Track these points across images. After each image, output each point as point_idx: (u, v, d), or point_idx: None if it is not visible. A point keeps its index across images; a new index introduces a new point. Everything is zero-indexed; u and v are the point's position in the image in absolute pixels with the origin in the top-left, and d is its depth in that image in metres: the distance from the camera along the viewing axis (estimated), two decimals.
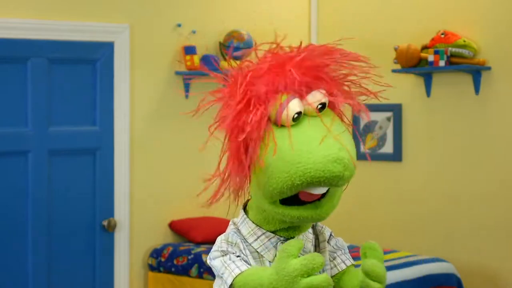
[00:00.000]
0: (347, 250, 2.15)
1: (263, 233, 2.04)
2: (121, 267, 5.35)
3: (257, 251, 2.03)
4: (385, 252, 5.27)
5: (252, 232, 2.05)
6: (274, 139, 1.93)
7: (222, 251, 2.02)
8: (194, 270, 5.22)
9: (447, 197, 5.52)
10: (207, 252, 5.21)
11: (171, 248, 5.38)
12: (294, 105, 1.95)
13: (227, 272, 1.98)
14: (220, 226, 5.42)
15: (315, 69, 1.98)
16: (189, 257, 5.26)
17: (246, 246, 2.04)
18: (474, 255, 5.40)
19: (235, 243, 2.03)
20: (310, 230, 2.10)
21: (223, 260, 2.00)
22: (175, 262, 5.31)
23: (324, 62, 1.98)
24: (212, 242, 5.90)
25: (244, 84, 1.97)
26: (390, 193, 5.80)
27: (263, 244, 2.04)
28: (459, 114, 5.44)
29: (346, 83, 2.02)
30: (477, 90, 5.35)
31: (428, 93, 5.57)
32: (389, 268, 4.85)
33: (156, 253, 5.42)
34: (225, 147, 2.01)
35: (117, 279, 5.33)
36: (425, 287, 4.91)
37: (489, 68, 5.27)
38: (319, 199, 1.96)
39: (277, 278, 1.87)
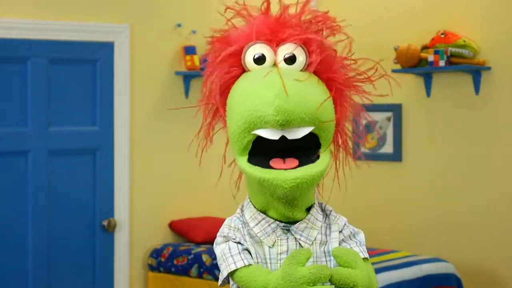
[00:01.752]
0: (363, 243, 2.13)
1: (263, 218, 2.05)
2: (121, 267, 5.35)
3: (257, 235, 2.05)
4: (385, 252, 5.27)
5: (253, 216, 2.07)
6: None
7: (224, 236, 2.06)
8: (194, 270, 5.22)
9: (447, 197, 5.51)
10: (207, 252, 5.22)
11: (171, 248, 5.38)
12: (256, 48, 2.02)
13: (224, 265, 2.01)
14: (220, 226, 5.42)
15: (295, 21, 2.03)
16: (189, 257, 5.26)
17: (248, 230, 2.06)
18: (474, 255, 5.40)
19: (237, 228, 2.06)
20: (320, 218, 2.09)
21: (223, 251, 2.03)
22: (175, 262, 5.31)
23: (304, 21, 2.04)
24: (212, 242, 5.92)
25: (225, 31, 2.10)
26: (390, 193, 5.80)
27: (263, 229, 2.05)
28: (459, 114, 5.44)
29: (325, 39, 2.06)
30: (477, 90, 5.35)
31: (428, 93, 5.57)
32: (389, 268, 4.85)
33: (156, 253, 5.42)
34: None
35: (117, 279, 5.33)
36: (425, 287, 4.91)
37: (489, 68, 5.27)
38: (285, 169, 1.97)
39: (282, 283, 1.89)
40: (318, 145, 2.00)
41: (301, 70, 2.02)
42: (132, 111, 5.38)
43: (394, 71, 5.52)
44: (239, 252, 2.01)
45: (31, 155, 4.99)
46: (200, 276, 5.20)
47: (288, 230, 2.05)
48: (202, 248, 5.31)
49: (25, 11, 4.99)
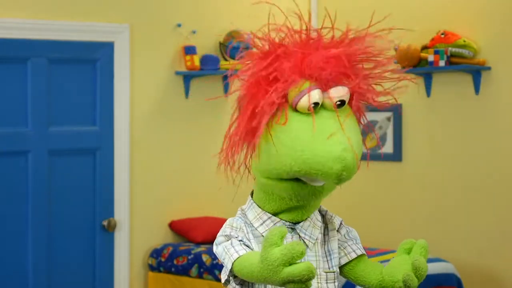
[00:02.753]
0: (359, 241, 2.16)
1: (269, 218, 2.06)
2: (121, 267, 5.35)
3: (263, 236, 2.05)
4: (385, 252, 5.27)
5: (258, 216, 2.07)
6: (286, 116, 1.96)
7: (225, 235, 2.05)
8: (194, 270, 5.22)
9: (447, 197, 5.51)
10: (207, 252, 5.21)
11: (171, 248, 5.38)
12: (314, 95, 1.96)
13: (227, 257, 2.00)
14: (220, 226, 5.41)
15: (345, 60, 1.99)
16: (189, 257, 5.26)
17: (251, 230, 2.06)
18: (474, 255, 5.39)
19: (239, 228, 2.06)
20: (319, 218, 2.11)
21: (225, 246, 2.03)
22: (175, 262, 5.31)
23: (354, 53, 2.00)
24: (212, 242, 5.90)
25: (271, 57, 1.99)
26: (390, 193, 5.80)
27: (268, 228, 2.06)
28: (459, 114, 5.44)
29: (370, 78, 2.03)
30: (477, 90, 5.35)
31: (428, 93, 5.57)
32: None
33: (156, 253, 5.42)
34: (236, 111, 2.04)
35: (117, 279, 5.33)
36: (425, 287, 4.91)
37: (489, 68, 5.27)
38: None
39: (262, 267, 1.86)
40: None
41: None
42: (132, 111, 5.37)
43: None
44: (241, 245, 2.01)
45: (31, 155, 4.99)
46: (200, 276, 5.20)
47: (293, 229, 2.05)
48: (202, 248, 5.31)
49: (25, 11, 4.99)
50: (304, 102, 1.95)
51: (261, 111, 1.96)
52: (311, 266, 1.81)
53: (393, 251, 5.32)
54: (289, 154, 1.94)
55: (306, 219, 2.08)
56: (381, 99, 2.07)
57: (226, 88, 5.65)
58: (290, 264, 1.81)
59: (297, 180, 1.99)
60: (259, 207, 2.08)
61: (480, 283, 5.37)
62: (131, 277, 5.41)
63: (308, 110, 1.95)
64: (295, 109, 1.97)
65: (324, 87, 1.97)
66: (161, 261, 5.37)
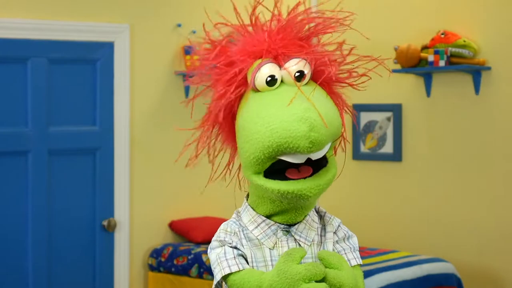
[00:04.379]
0: (357, 248, 2.15)
1: (263, 221, 2.05)
2: (121, 267, 5.35)
3: (258, 239, 2.05)
4: (385, 252, 5.27)
5: (252, 219, 2.06)
6: (246, 99, 1.98)
7: (220, 241, 2.05)
8: (194, 270, 5.22)
9: (447, 197, 5.51)
10: (207, 252, 5.21)
11: (171, 248, 5.39)
12: (267, 69, 1.97)
13: (218, 269, 2.00)
14: (220, 226, 5.43)
15: (296, 35, 2.00)
16: (189, 257, 5.26)
17: (246, 234, 2.05)
18: (474, 255, 5.40)
19: (233, 233, 2.05)
20: (316, 219, 2.10)
21: (218, 255, 2.02)
22: (175, 262, 5.31)
23: (302, 27, 2.00)
24: None
25: (220, 47, 2.03)
26: (390, 193, 5.80)
27: (263, 231, 2.04)
28: (459, 114, 5.44)
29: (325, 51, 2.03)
30: (477, 90, 5.35)
31: (428, 93, 5.57)
32: (389, 268, 4.85)
33: (156, 253, 5.42)
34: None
35: (117, 279, 5.34)
36: (425, 287, 4.91)
37: (489, 68, 5.27)
38: (305, 178, 1.96)
39: (277, 280, 1.89)
40: None
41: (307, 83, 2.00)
42: (132, 111, 5.38)
43: (394, 71, 5.52)
44: (234, 257, 2.00)
45: (31, 155, 4.99)
46: (200, 276, 5.20)
47: (288, 232, 2.05)
48: (202, 248, 5.31)
49: (25, 11, 4.99)
50: (259, 78, 1.96)
51: (219, 94, 2.00)
52: None
53: (393, 251, 5.32)
54: (257, 131, 1.93)
55: (301, 220, 2.07)
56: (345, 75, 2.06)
57: None
58: (308, 281, 1.89)
59: (283, 178, 1.97)
60: (253, 209, 2.07)
61: (480, 283, 5.37)
62: (131, 277, 5.41)
63: (268, 85, 1.96)
64: (258, 90, 1.98)
65: (280, 62, 1.98)
66: (161, 261, 5.37)
